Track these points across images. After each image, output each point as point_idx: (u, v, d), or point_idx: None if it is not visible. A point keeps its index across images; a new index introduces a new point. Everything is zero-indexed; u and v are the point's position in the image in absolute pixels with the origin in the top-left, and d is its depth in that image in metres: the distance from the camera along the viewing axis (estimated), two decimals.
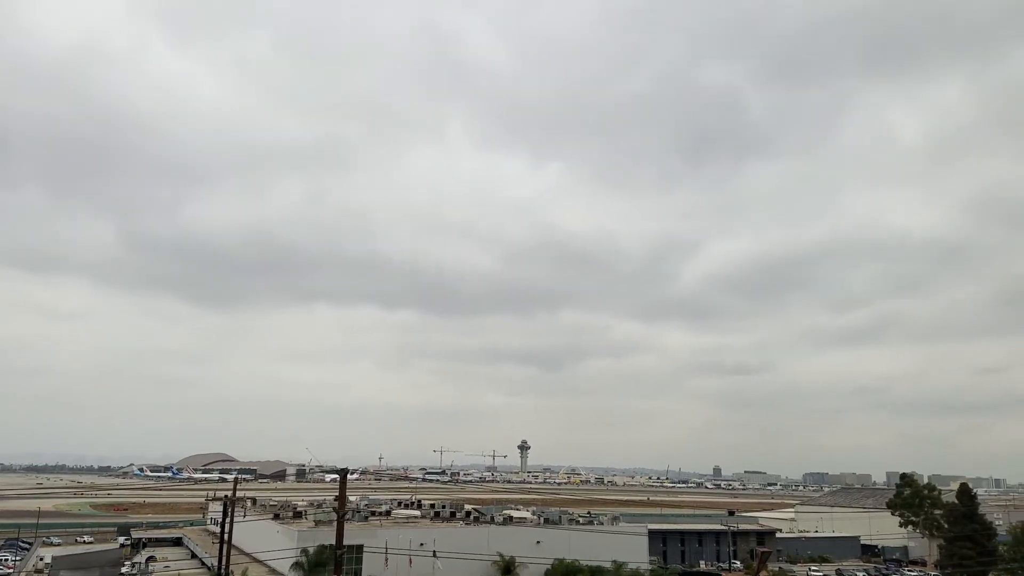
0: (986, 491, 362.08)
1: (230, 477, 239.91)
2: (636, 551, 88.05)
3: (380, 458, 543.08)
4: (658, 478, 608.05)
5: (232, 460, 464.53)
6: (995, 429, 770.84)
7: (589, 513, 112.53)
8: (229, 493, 68.26)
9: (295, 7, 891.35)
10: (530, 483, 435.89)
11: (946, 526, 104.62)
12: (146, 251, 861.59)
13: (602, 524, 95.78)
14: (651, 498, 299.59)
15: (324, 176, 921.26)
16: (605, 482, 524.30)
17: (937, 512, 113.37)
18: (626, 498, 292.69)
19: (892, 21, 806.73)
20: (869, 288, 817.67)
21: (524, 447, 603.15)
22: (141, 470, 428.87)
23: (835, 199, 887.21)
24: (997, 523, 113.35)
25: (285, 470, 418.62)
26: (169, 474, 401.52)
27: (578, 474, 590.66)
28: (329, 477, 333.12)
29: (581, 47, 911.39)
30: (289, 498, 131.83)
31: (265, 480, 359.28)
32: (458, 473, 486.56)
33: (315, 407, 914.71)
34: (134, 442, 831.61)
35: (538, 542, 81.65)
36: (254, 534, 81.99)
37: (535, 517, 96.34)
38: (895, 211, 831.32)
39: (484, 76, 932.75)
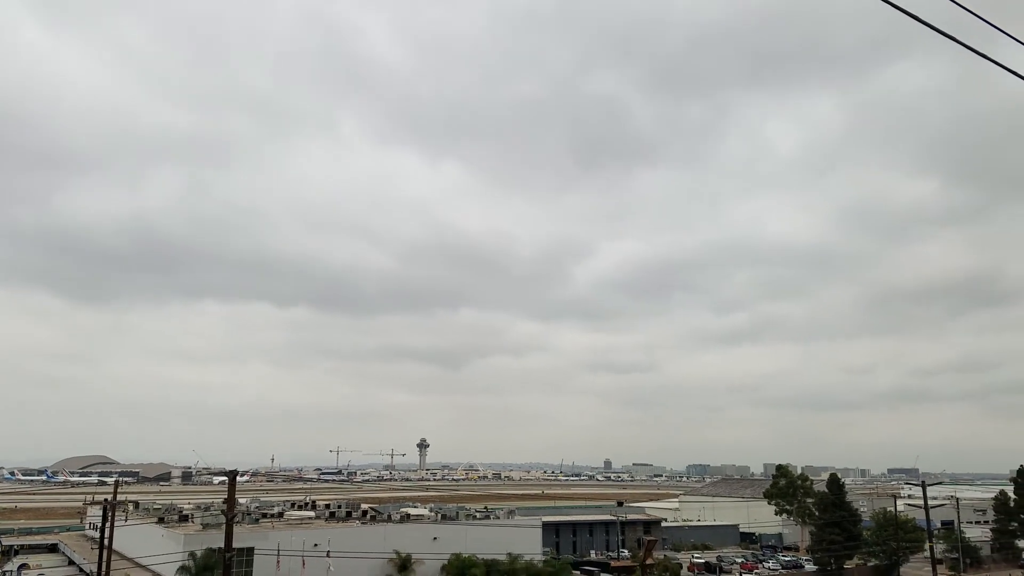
0: (853, 480, 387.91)
1: (110, 480, 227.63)
2: (531, 543, 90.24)
3: (272, 459, 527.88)
4: (553, 472, 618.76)
5: (113, 462, 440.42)
6: (861, 424, 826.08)
7: (486, 508, 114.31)
8: (109, 497, 65.54)
9: None
10: (428, 480, 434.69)
11: (817, 514, 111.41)
12: (14, 243, 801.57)
13: (498, 518, 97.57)
14: (546, 491, 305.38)
15: (208, 169, 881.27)
16: (502, 477, 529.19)
17: (809, 501, 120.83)
18: (522, 492, 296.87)
19: (769, 39, 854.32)
20: (749, 291, 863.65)
21: (423, 445, 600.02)
22: (12, 473, 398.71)
23: (718, 206, 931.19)
24: (862, 510, 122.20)
25: (170, 472, 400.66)
26: (43, 477, 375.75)
27: (476, 470, 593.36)
28: (217, 479, 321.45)
29: (474, 49, 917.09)
30: (175, 501, 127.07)
31: (149, 483, 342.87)
32: (355, 473, 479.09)
33: (203, 407, 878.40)
34: (4, 444, 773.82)
35: (435, 538, 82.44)
36: (137, 539, 78.93)
37: (432, 514, 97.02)
38: (773, 218, 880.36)
39: (378, 72, 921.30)
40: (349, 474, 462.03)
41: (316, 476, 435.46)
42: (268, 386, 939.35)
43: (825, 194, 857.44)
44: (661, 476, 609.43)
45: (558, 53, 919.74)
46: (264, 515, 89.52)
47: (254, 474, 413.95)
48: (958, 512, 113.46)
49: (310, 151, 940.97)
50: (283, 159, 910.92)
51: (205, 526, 75.63)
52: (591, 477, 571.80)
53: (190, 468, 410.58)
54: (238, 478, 39.40)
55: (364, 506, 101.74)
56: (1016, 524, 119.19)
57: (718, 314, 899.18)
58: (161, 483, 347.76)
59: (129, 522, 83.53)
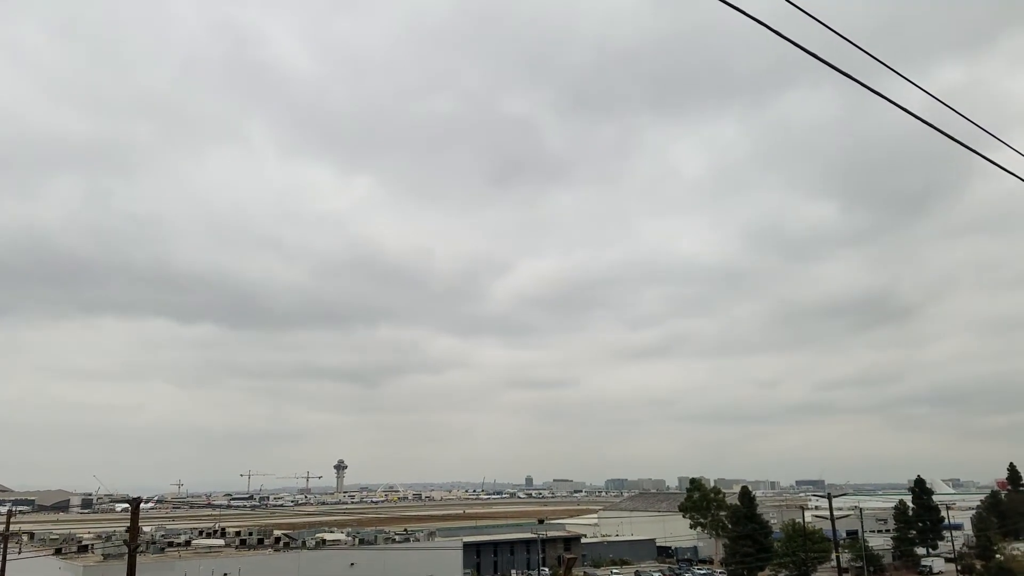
0: (763, 493, 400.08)
1: (3, 509, 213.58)
2: (451, 565, 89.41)
3: (179, 484, 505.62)
4: (474, 491, 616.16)
5: (5, 490, 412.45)
6: (770, 436, 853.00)
7: (406, 530, 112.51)
8: (1, 527, 61.35)
9: None
10: (346, 503, 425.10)
11: (730, 526, 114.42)
12: None
13: (419, 541, 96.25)
14: (467, 511, 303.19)
15: (108, 178, 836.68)
16: (423, 498, 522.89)
17: (722, 513, 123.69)
18: (443, 513, 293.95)
19: (671, 67, 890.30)
20: (662, 307, 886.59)
21: (341, 467, 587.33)
22: None
23: (630, 225, 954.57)
24: (772, 522, 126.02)
25: (69, 500, 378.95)
26: None
27: (396, 491, 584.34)
28: (120, 507, 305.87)
29: (386, 63, 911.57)
30: (74, 531, 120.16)
31: (46, 512, 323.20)
32: (268, 498, 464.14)
33: (103, 430, 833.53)
34: None
35: (352, 564, 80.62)
36: (32, 572, 74.06)
37: (350, 539, 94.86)
38: (683, 237, 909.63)
39: (288, 82, 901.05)
40: (262, 499, 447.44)
41: (226, 502, 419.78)
42: (173, 407, 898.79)
43: (731, 215, 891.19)
44: (581, 492, 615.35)
45: (471, 72, 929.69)
46: (170, 544, 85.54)
47: (159, 501, 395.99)
48: (861, 522, 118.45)
49: (217, 161, 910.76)
50: (189, 169, 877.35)
51: (106, 557, 71.70)
52: (512, 495, 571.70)
53: (90, 495, 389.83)
54: (142, 505, 37.58)
55: (277, 532, 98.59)
56: (914, 532, 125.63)
57: (633, 330, 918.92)
58: (59, 511, 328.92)
59: (23, 554, 78.37)
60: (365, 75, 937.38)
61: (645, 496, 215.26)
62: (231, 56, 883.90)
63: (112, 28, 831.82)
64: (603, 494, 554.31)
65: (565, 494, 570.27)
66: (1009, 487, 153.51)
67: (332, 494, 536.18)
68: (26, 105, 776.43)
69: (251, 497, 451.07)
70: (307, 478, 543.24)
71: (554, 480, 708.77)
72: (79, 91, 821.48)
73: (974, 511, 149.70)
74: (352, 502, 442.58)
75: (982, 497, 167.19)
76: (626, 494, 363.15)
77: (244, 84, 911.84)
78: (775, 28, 11.40)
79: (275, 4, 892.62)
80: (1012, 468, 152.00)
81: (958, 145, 14.10)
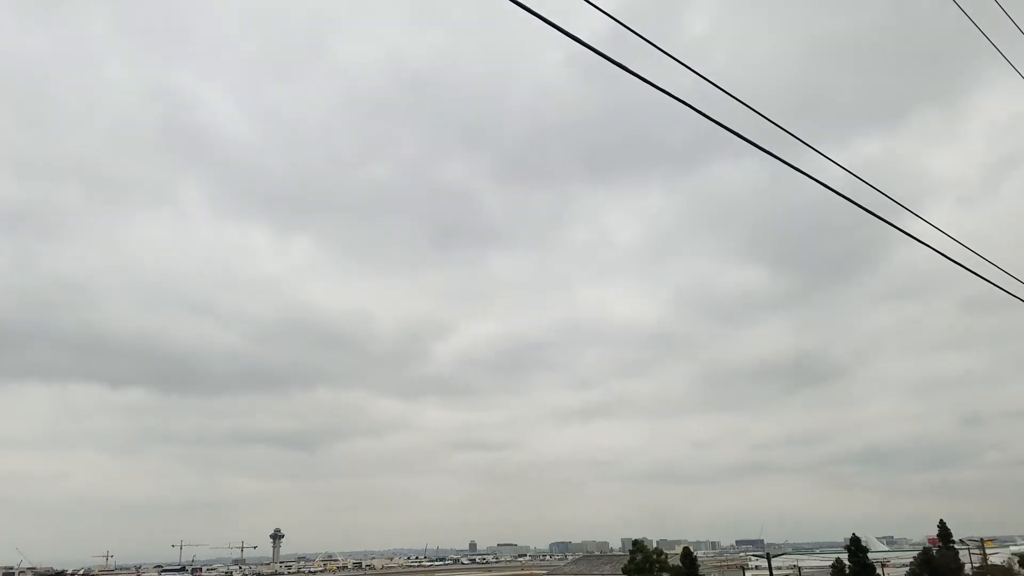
0: (704, 553, 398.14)
1: None
2: None
3: (107, 556, 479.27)
4: (416, 558, 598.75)
5: None
6: (708, 496, 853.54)
7: None
8: None
9: None
10: (283, 574, 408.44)
11: None
12: None
13: None
14: None
15: (32, 241, 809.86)
16: (363, 567, 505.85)
17: (665, 575, 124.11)
18: None
19: (599, 140, 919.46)
20: (601, 369, 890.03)
21: (277, 536, 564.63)
22: None
23: (568, 289, 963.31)
24: None
25: None
26: None
27: (335, 560, 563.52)
28: None
29: (322, 129, 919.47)
30: None
31: None
32: (200, 569, 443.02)
33: (26, 500, 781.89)
34: None
35: None
36: None
37: None
38: (619, 301, 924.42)
39: (223, 146, 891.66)
40: (194, 570, 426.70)
41: (156, 574, 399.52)
42: (101, 475, 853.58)
43: (663, 280, 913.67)
44: (525, 556, 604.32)
45: (408, 140, 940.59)
46: None
47: (85, 574, 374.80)
48: None
49: (148, 224, 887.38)
50: (120, 233, 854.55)
51: None
52: (456, 560, 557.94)
53: (11, 569, 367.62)
54: None
55: None
56: None
57: (574, 391, 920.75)
58: None
59: None
60: (301, 140, 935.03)
61: (589, 559, 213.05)
62: (164, 119, 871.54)
63: (42, 90, 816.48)
64: (547, 558, 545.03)
65: (509, 558, 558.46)
66: (940, 544, 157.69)
67: (268, 564, 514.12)
68: None
69: (183, 568, 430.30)
70: (242, 548, 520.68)
71: (498, 544, 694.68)
72: (5, 153, 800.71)
73: (907, 568, 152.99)
74: (289, 572, 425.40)
75: (915, 554, 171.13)
76: (570, 557, 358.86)
77: (177, 147, 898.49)
78: (698, 107, 12.15)
79: (210, 71, 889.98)
80: (942, 525, 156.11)
81: (879, 211, 15.26)
